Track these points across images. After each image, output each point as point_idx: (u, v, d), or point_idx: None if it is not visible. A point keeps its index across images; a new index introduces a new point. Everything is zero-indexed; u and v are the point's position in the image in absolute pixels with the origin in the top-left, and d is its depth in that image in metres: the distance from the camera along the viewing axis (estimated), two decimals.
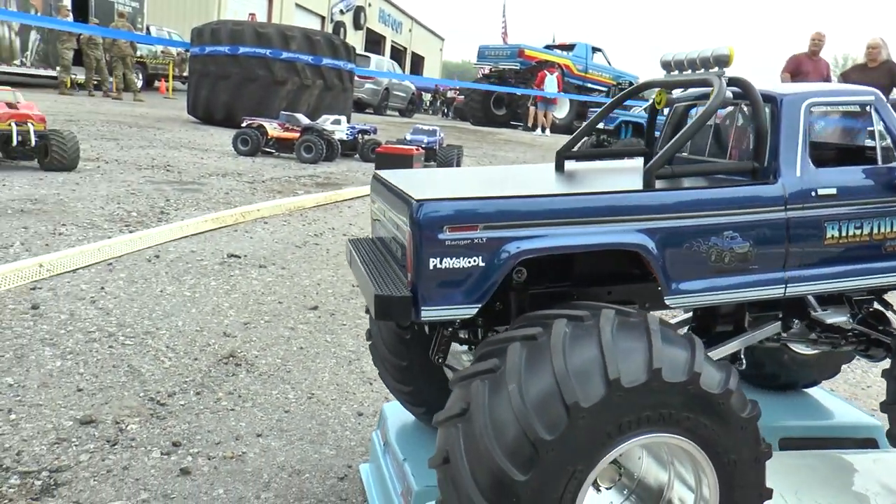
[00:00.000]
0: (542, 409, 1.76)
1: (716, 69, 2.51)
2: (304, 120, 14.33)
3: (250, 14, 26.78)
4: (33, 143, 9.16)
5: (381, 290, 2.07)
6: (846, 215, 2.45)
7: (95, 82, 22.31)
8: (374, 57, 29.97)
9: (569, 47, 29.34)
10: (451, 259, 2.03)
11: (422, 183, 2.49)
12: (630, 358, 1.81)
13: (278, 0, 35.85)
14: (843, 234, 2.45)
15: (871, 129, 2.57)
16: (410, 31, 56.50)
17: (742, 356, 2.75)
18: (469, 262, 2.04)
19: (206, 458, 3.39)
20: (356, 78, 28.43)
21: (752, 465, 1.98)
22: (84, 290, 5.30)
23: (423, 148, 13.37)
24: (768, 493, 2.04)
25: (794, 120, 2.44)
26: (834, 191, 2.43)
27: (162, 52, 26.74)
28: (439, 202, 2.07)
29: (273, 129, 13.85)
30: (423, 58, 59.27)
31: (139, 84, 23.68)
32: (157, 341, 4.59)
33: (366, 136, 15.04)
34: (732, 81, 2.50)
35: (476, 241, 2.05)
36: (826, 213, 2.42)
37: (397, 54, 52.30)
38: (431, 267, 2.02)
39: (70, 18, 21.92)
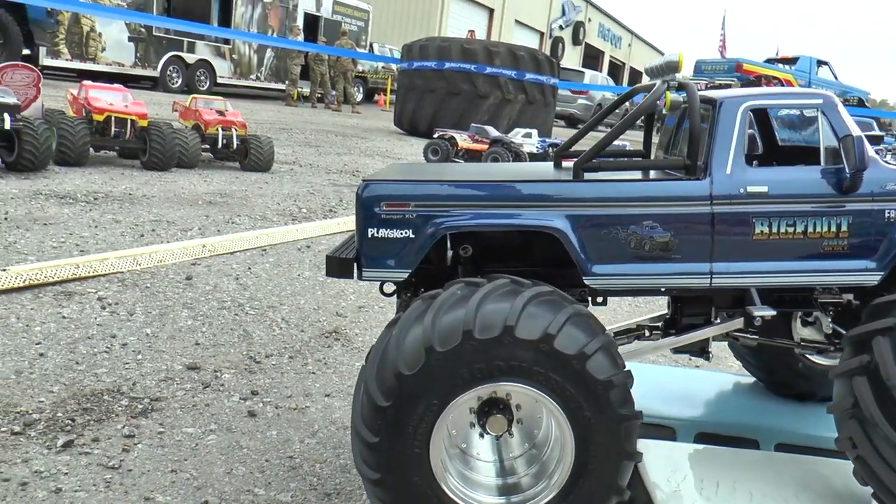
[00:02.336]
0: (406, 350, 2.18)
1: (668, 75, 2.74)
2: (493, 132, 15.09)
3: (469, 31, 28.22)
4: (235, 145, 10.69)
5: (335, 253, 2.60)
6: (778, 213, 2.55)
7: (319, 95, 24.81)
8: (588, 72, 30.34)
9: (791, 61, 27.77)
10: (387, 230, 2.51)
11: (396, 170, 2.98)
12: (490, 316, 2.17)
13: (498, 17, 37.41)
14: (774, 230, 2.55)
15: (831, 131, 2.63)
16: (630, 45, 56.14)
17: (709, 349, 2.91)
18: (401, 234, 2.51)
19: (273, 406, 4.08)
20: (570, 93, 28.92)
21: (609, 427, 2.22)
22: (234, 269, 6.31)
23: None
24: (628, 456, 2.26)
25: (730, 121, 2.60)
26: (765, 188, 2.55)
27: (382, 67, 29.03)
28: (379, 183, 2.56)
29: (463, 140, 14.75)
30: (640, 73, 58.41)
31: (359, 97, 26.02)
32: (275, 314, 5.43)
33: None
34: (681, 86, 2.72)
35: (407, 216, 2.50)
36: (755, 210, 2.54)
37: (615, 70, 52.08)
38: (370, 236, 2.51)
39: (301, 38, 24.65)
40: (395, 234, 2.52)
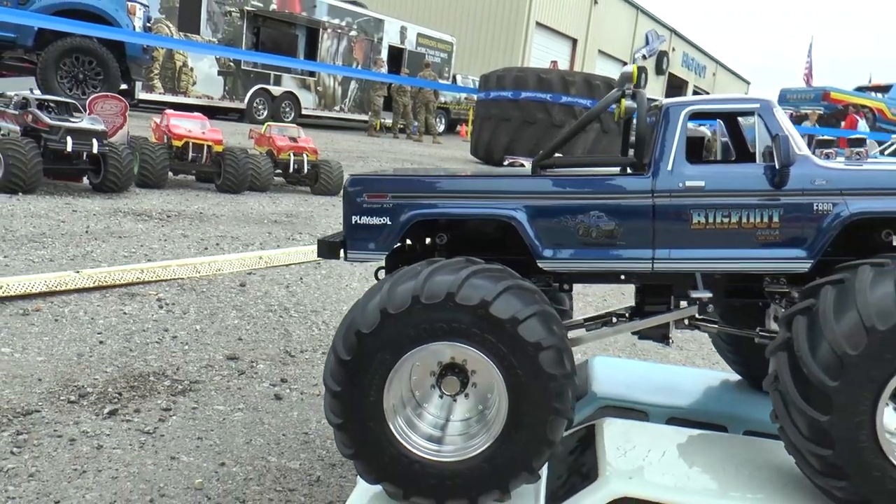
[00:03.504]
0: (366, 313, 2.61)
1: (625, 85, 3.13)
2: None
3: (552, 62, 28.77)
4: (306, 170, 11.45)
5: (325, 237, 3.09)
6: (714, 205, 2.86)
7: (401, 126, 25.73)
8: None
9: (884, 89, 26.88)
10: (368, 218, 2.97)
11: (389, 169, 3.45)
12: (436, 285, 2.58)
13: (581, 47, 37.87)
14: (711, 221, 2.85)
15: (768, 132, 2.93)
16: (714, 75, 55.35)
17: (670, 336, 3.23)
18: (380, 221, 2.97)
19: (299, 392, 4.59)
20: None
21: (539, 385, 2.57)
22: (286, 279, 6.91)
23: None
24: (557, 412, 2.60)
25: (673, 124, 2.94)
26: (702, 183, 2.87)
27: (465, 98, 29.83)
28: (363, 177, 3.04)
29: None
30: None
31: (441, 128, 26.86)
32: (317, 317, 5.97)
33: None
34: (634, 94, 3.10)
35: (385, 206, 2.96)
36: (693, 202, 2.86)
37: None
38: (354, 223, 2.99)
39: (385, 70, 25.70)
40: (375, 221, 2.98)
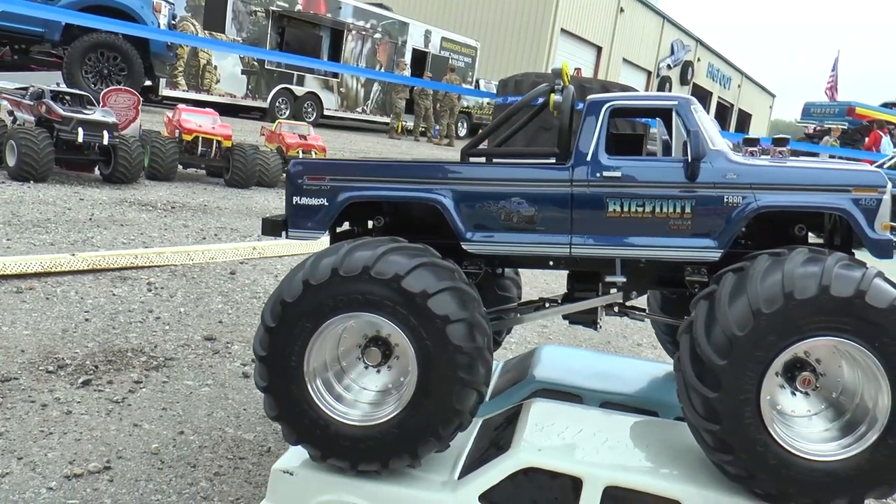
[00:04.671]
0: (291, 284, 2.85)
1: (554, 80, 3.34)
2: None
3: (576, 69, 28.88)
4: None
5: (269, 216, 3.34)
6: (629, 195, 3.06)
7: (422, 129, 26.02)
8: None
9: None
10: (307, 199, 3.22)
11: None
12: (354, 259, 2.81)
13: (606, 55, 37.90)
14: (625, 209, 3.05)
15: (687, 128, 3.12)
16: (739, 86, 54.95)
17: (598, 321, 3.43)
18: (318, 202, 3.21)
19: None
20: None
21: (447, 356, 2.78)
22: (277, 269, 7.19)
23: None
24: (464, 383, 2.79)
25: (594, 118, 3.14)
26: (619, 174, 3.06)
27: (487, 103, 30.03)
28: (304, 161, 3.29)
29: None
30: (749, 115, 56.91)
31: (462, 132, 27.11)
32: None
33: None
34: (562, 90, 3.31)
35: (323, 187, 3.21)
36: (608, 192, 3.06)
37: (723, 111, 51.09)
38: (294, 203, 3.23)
39: (407, 73, 26.02)
40: (314, 201, 3.23)
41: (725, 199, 3.06)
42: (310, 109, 23.66)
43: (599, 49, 37.89)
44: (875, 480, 2.69)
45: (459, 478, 3.00)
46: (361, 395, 3.00)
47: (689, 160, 3.04)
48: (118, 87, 11.42)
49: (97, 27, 14.64)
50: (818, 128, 25.32)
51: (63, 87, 10.55)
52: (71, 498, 3.28)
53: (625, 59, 39.58)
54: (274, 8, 22.20)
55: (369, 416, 2.90)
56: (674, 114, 3.19)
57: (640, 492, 2.87)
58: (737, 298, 2.74)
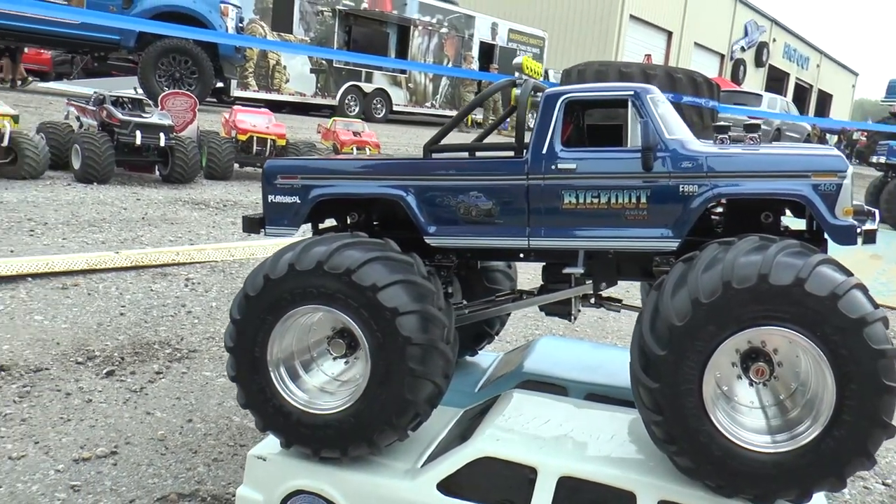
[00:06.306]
0: (254, 279, 3.01)
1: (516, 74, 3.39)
2: None
3: (646, 55, 28.44)
4: None
5: (249, 214, 3.52)
6: (584, 186, 3.07)
7: (491, 121, 26.11)
8: (766, 95, 29.24)
9: None
10: (281, 197, 3.38)
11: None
12: (310, 254, 2.94)
13: (676, 40, 37.03)
14: (581, 201, 3.07)
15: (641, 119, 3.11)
16: (818, 66, 52.79)
17: (573, 312, 3.46)
18: (291, 200, 3.36)
19: None
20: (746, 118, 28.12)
21: (398, 348, 2.87)
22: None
23: None
24: (415, 374, 2.86)
25: (550, 110, 3.16)
26: (574, 165, 3.07)
27: None
28: (279, 161, 3.45)
29: None
30: (830, 96, 54.35)
31: (531, 123, 27.06)
32: None
33: None
34: (522, 83, 3.36)
35: (295, 186, 3.35)
36: (564, 184, 3.08)
37: (802, 92, 49.07)
38: (270, 201, 3.40)
39: (475, 66, 26.12)
40: (287, 199, 3.39)
41: (681, 189, 3.04)
42: (379, 106, 24.03)
43: (670, 34, 37.08)
44: (823, 473, 2.66)
45: (422, 466, 3.11)
46: (323, 384, 3.14)
47: (642, 150, 3.05)
48: (176, 90, 11.92)
49: (167, 34, 15.30)
50: None
51: (140, 92, 11.09)
52: (75, 479, 3.54)
53: (696, 44, 38.60)
54: (340, 7, 22.64)
55: (328, 405, 3.04)
56: (629, 104, 3.19)
57: (595, 483, 2.92)
58: (679, 289, 2.73)
